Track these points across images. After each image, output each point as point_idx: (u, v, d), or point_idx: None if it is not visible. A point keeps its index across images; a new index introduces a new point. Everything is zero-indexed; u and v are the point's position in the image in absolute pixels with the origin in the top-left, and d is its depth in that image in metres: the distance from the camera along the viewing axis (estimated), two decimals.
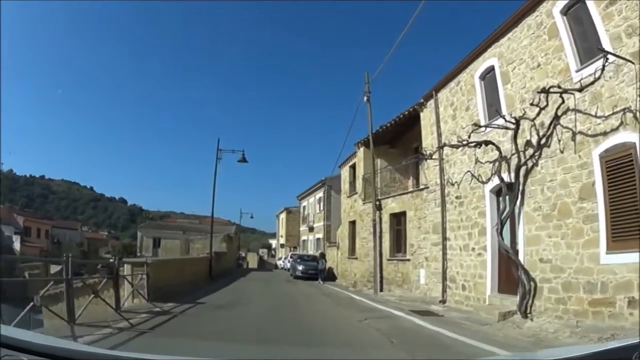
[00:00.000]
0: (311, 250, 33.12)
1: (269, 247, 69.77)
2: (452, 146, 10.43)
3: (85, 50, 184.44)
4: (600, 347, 1.53)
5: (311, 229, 34.97)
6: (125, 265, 9.94)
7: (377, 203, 15.31)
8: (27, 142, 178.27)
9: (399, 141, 17.25)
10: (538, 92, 7.75)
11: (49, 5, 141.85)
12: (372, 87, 15.74)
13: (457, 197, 11.07)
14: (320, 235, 31.48)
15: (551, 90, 7.50)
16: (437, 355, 5.42)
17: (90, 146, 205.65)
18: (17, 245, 39.32)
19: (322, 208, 32.00)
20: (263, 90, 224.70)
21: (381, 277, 14.72)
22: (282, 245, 48.63)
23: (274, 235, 62.46)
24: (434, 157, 11.72)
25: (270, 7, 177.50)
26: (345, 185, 21.95)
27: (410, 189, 14.55)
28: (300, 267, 23.60)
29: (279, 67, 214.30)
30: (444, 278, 11.27)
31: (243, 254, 53.41)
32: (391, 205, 14.93)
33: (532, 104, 8.06)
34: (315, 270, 22.32)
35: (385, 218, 15.17)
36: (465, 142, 9.80)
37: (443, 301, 11.08)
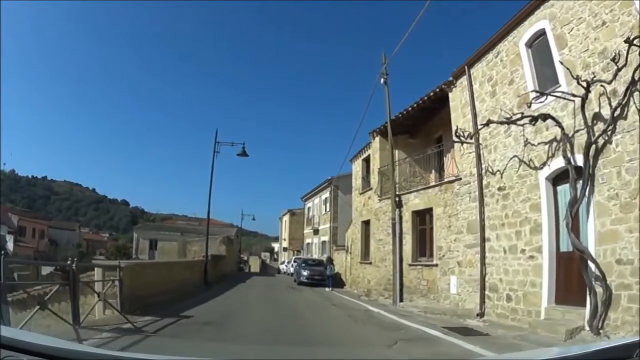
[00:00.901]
0: (316, 254, 31.62)
1: (271, 250, 68.36)
2: (500, 122, 8.56)
3: (93, 50, 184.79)
4: (601, 346, 1.49)
5: (316, 232, 33.32)
6: (96, 269, 8.27)
7: (397, 199, 13.38)
8: (30, 143, 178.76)
9: (419, 131, 15.35)
10: (624, 42, 6.16)
11: (52, 3, 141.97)
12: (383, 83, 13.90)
13: (499, 189, 9.23)
14: (326, 238, 29.80)
15: (635, 42, 6.03)
16: None
17: (94, 147, 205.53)
18: (10, 246, 37.84)
19: (328, 209, 30.27)
20: (267, 91, 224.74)
21: (401, 285, 12.76)
22: (285, 249, 47.22)
23: (276, 239, 60.96)
24: (471, 139, 9.81)
25: (272, 6, 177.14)
26: (357, 181, 19.86)
27: (437, 182, 12.54)
28: (304, 273, 21.92)
29: (283, 68, 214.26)
30: (482, 287, 9.48)
31: (245, 258, 52.13)
32: (414, 202, 12.96)
33: (612, 60, 6.40)
34: (321, 276, 20.72)
35: (407, 216, 13.19)
36: (517, 117, 7.97)
37: (481, 314, 9.37)
